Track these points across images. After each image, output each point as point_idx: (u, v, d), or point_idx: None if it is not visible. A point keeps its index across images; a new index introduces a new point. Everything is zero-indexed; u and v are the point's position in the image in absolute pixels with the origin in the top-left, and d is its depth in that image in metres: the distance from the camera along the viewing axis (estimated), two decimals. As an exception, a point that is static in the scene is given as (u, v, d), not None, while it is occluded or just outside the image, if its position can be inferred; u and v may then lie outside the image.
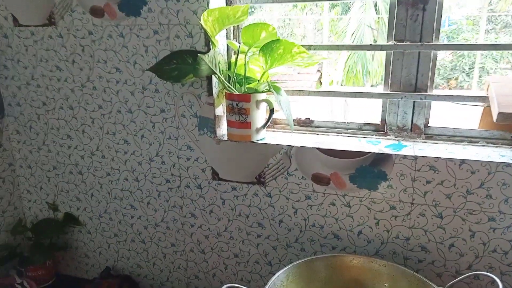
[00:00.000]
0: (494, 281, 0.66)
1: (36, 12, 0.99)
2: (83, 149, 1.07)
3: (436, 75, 0.85)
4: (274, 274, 0.74)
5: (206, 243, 1.02)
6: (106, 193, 1.08)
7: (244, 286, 0.99)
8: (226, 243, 0.99)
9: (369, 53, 5.54)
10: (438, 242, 0.82)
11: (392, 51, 0.84)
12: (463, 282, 0.80)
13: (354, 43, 5.37)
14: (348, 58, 6.06)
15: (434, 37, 0.80)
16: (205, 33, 0.85)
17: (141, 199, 1.05)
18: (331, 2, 1.47)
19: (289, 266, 0.77)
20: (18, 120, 1.12)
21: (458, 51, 4.89)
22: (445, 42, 0.93)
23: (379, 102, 0.89)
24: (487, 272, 0.70)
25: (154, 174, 1.01)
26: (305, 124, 0.96)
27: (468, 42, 4.56)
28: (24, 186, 1.18)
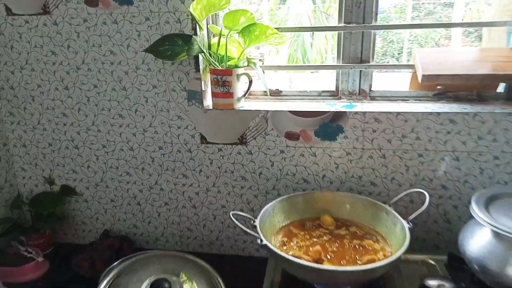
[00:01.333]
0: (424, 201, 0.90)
1: (29, 2, 1.10)
2: (79, 125, 1.19)
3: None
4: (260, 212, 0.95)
5: (196, 199, 1.20)
6: (102, 163, 1.22)
7: (230, 232, 1.19)
8: (214, 196, 1.18)
9: (308, 41, 5.87)
10: (383, 177, 1.07)
11: (342, 32, 1.07)
12: (402, 206, 1.05)
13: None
14: (289, 46, 6.36)
15: (373, 19, 1.05)
16: (193, 18, 1.02)
17: (135, 166, 1.20)
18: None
19: (274, 201, 0.98)
20: (11, 102, 1.21)
21: (388, 38, 5.40)
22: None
23: (327, 73, 1.12)
24: (424, 207, 0.95)
25: (148, 143, 1.17)
26: (275, 94, 1.17)
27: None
28: (18, 164, 1.27)
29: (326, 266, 0.80)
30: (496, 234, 0.79)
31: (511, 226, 0.76)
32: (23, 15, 1.11)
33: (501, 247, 0.78)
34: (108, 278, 0.98)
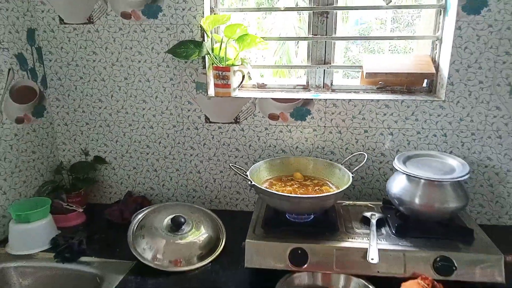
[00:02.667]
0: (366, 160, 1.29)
1: (78, 14, 1.46)
2: (111, 109, 1.55)
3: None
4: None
5: (200, 166, 1.57)
6: (127, 138, 1.58)
7: (226, 191, 1.56)
8: (215, 164, 1.55)
9: (293, 50, 6.30)
10: (339, 148, 1.46)
11: (311, 41, 1.47)
12: (350, 165, 1.44)
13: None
14: (274, 53, 6.79)
15: (333, 32, 1.44)
16: (202, 29, 1.40)
17: (154, 140, 1.57)
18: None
19: (260, 162, 1.35)
20: (58, 90, 1.57)
21: (370, 48, 5.84)
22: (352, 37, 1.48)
23: (303, 71, 1.51)
24: (363, 162, 1.32)
25: (164, 122, 1.54)
26: (261, 86, 1.56)
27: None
28: (60, 139, 1.62)
29: (294, 194, 1.18)
30: (408, 177, 1.18)
31: (417, 173, 1.16)
32: (72, 24, 1.48)
33: (411, 186, 1.17)
34: (137, 219, 1.35)
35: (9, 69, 1.38)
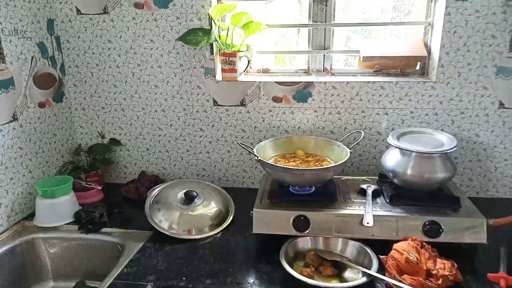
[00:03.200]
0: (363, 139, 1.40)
1: (94, 5, 1.57)
2: (125, 94, 1.67)
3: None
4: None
5: (209, 146, 1.68)
6: (141, 121, 1.69)
7: (233, 170, 1.67)
8: (222, 144, 1.67)
9: (294, 40, 6.37)
10: (338, 127, 1.57)
11: (312, 28, 1.57)
12: (348, 143, 1.55)
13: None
14: (275, 44, 6.87)
15: (332, 19, 1.54)
16: (210, 18, 1.50)
17: (166, 123, 1.68)
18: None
19: (265, 140, 1.46)
20: (75, 77, 1.68)
21: (370, 36, 5.92)
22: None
23: (304, 60, 1.62)
24: (359, 139, 1.43)
25: (175, 106, 1.65)
26: (265, 71, 1.66)
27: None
28: (78, 123, 1.74)
29: (296, 167, 1.30)
30: (401, 151, 1.29)
31: (409, 147, 1.27)
32: (88, 14, 1.58)
33: (404, 159, 1.28)
34: (152, 194, 1.46)
35: (32, 57, 1.49)
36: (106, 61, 1.64)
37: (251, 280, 1.09)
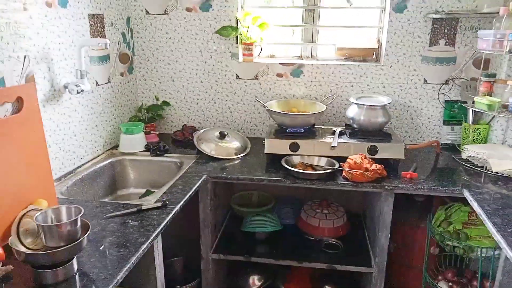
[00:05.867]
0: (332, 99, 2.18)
1: (158, 8, 2.33)
2: (175, 69, 2.42)
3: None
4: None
5: (232, 107, 2.45)
6: (185, 89, 2.46)
7: (248, 124, 2.44)
8: (241, 106, 2.43)
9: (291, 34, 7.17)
10: (320, 95, 2.34)
11: (303, 27, 2.34)
12: (326, 102, 2.32)
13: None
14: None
15: (317, 22, 2.32)
16: (237, 19, 2.27)
17: (203, 91, 2.44)
18: None
19: (272, 101, 2.23)
20: (141, 57, 2.43)
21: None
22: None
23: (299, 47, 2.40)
24: (332, 100, 2.21)
25: (210, 79, 2.41)
26: (272, 56, 2.44)
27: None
28: (140, 90, 2.49)
29: (291, 112, 2.07)
30: (358, 105, 2.07)
31: (362, 102, 2.04)
32: (154, 14, 2.34)
33: (359, 110, 2.06)
34: (197, 133, 2.22)
35: (118, 42, 2.25)
36: (163, 47, 2.40)
37: (265, 175, 1.87)
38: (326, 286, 2.25)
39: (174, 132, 2.41)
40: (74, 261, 1.12)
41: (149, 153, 2.16)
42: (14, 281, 1.10)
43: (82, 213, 1.13)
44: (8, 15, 1.38)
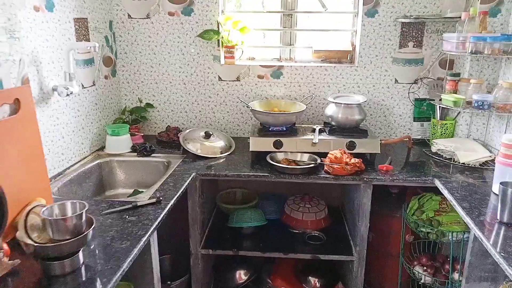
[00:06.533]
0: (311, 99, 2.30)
1: (140, 12, 2.38)
2: (158, 72, 2.48)
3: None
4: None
5: (215, 108, 2.52)
6: (168, 91, 2.51)
7: (231, 124, 2.53)
8: (224, 107, 2.52)
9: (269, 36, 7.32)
10: (299, 95, 2.46)
11: (282, 31, 2.46)
12: (305, 101, 2.45)
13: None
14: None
15: (295, 26, 2.44)
16: (218, 23, 2.36)
17: (186, 92, 2.51)
18: None
19: (254, 101, 2.33)
20: (124, 60, 2.47)
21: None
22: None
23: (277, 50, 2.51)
24: (311, 100, 2.34)
25: (193, 80, 2.48)
26: (252, 58, 2.54)
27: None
28: (123, 92, 2.53)
29: (274, 111, 2.17)
30: (336, 104, 2.20)
31: (340, 101, 2.18)
32: (136, 18, 2.39)
33: (337, 108, 2.19)
34: (182, 135, 2.29)
35: (102, 45, 2.28)
36: (146, 50, 2.45)
37: (252, 171, 1.96)
38: (309, 277, 2.36)
39: (158, 133, 2.46)
40: (80, 253, 1.17)
41: (135, 153, 2.20)
42: (22, 274, 1.14)
43: (86, 208, 1.18)
44: (5, 19, 1.41)
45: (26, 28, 1.62)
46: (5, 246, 1.17)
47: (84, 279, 1.13)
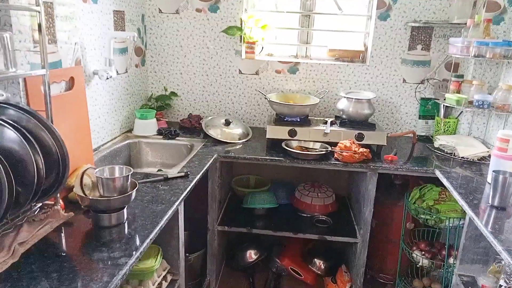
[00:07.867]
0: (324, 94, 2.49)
1: (170, 7, 2.58)
2: (184, 63, 2.68)
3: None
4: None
5: (234, 99, 2.72)
6: (192, 81, 2.72)
7: (248, 114, 2.72)
8: (243, 98, 2.71)
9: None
10: (315, 90, 2.65)
11: (300, 30, 2.65)
12: (320, 96, 2.63)
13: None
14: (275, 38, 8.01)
15: (312, 26, 2.63)
16: (241, 20, 2.56)
17: (208, 83, 2.71)
18: None
19: (271, 93, 2.52)
20: (152, 51, 2.68)
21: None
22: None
23: (295, 47, 2.70)
24: (323, 94, 2.52)
25: (215, 73, 2.68)
26: (270, 55, 2.73)
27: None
28: (150, 81, 2.74)
29: (289, 103, 2.36)
30: (347, 99, 2.38)
31: (351, 96, 2.36)
32: (166, 13, 2.60)
33: (348, 103, 2.37)
34: (205, 120, 2.49)
35: (134, 36, 2.49)
36: (173, 43, 2.65)
37: (268, 156, 2.15)
38: (315, 259, 2.55)
39: (180, 120, 2.66)
40: (125, 210, 1.37)
41: (161, 136, 2.40)
42: (75, 225, 1.34)
43: (132, 172, 1.38)
44: (67, 8, 1.62)
45: (76, 17, 1.83)
46: (61, 201, 1.38)
47: (127, 232, 1.33)
